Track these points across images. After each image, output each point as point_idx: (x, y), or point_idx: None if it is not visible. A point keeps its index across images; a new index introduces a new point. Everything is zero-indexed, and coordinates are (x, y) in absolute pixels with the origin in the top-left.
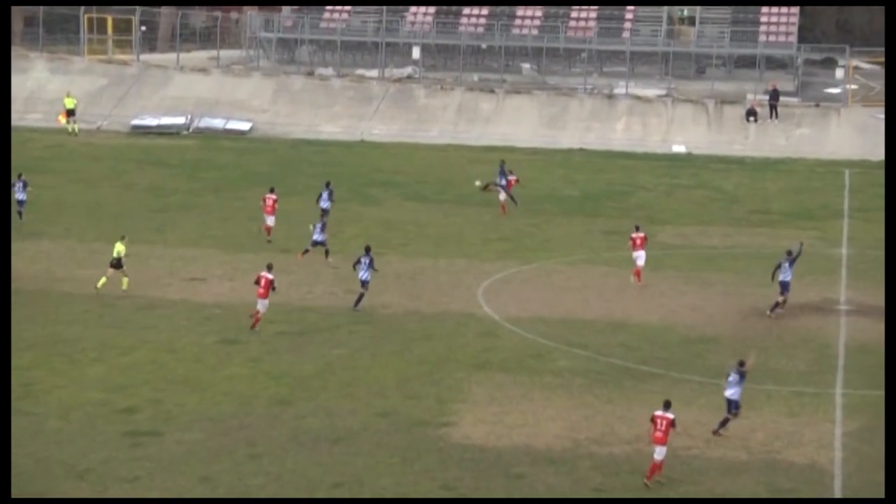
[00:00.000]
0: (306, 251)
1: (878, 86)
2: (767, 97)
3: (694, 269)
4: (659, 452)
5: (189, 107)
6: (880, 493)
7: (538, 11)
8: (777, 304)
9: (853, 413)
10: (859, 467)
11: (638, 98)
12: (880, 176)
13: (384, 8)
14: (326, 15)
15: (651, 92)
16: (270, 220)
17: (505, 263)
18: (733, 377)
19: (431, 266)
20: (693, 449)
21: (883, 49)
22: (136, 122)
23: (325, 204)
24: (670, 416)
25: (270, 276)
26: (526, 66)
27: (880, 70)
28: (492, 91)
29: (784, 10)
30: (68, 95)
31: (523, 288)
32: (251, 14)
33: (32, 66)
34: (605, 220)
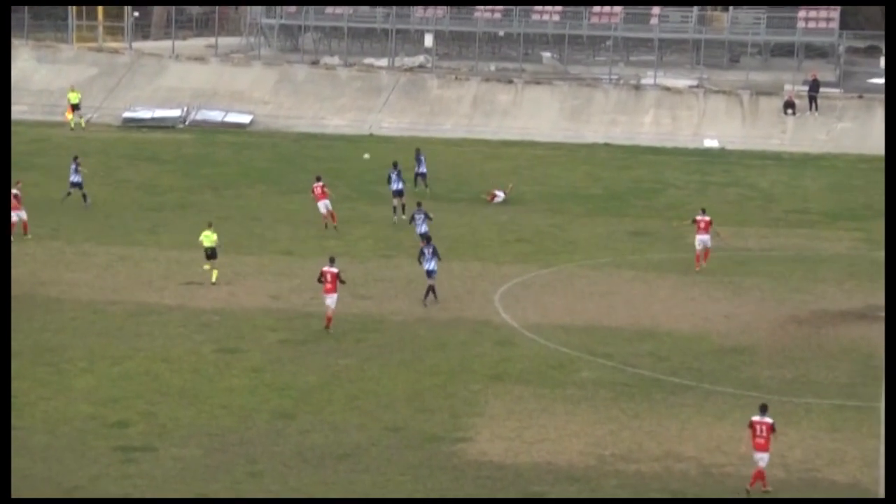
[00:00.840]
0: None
1: None
2: (807, 88)
3: (727, 273)
4: (762, 459)
5: (185, 98)
6: None
7: None
8: None
9: None
10: None
11: (667, 89)
12: None
13: None
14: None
15: (681, 82)
16: (322, 206)
17: (524, 267)
18: None
19: (444, 270)
20: (727, 466)
21: None
22: (128, 114)
23: (396, 185)
24: (769, 420)
25: (335, 270)
26: (546, 54)
27: None
28: (510, 81)
29: None
30: (72, 90)
31: (544, 293)
32: None
33: (17, 54)
34: (632, 221)
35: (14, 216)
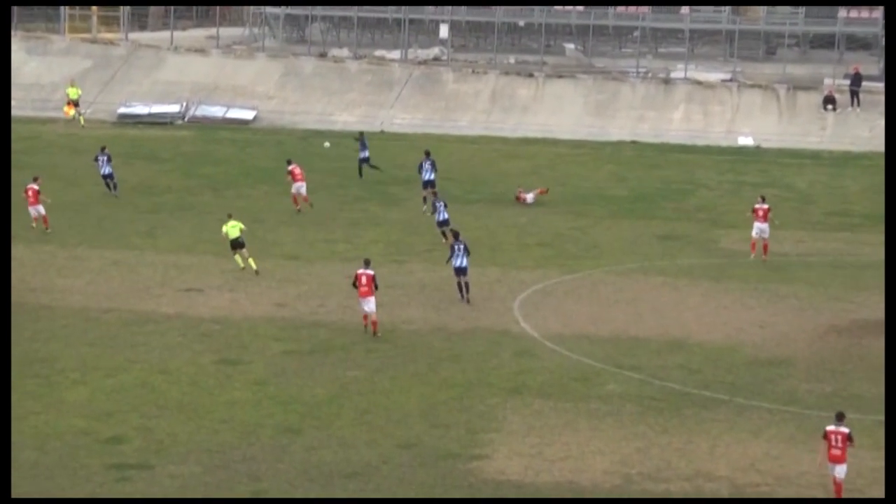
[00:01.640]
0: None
1: None
2: (848, 82)
3: (762, 279)
4: (839, 471)
5: (184, 93)
6: None
7: None
8: None
9: None
10: None
11: (698, 83)
12: None
13: None
14: None
15: (713, 76)
16: (295, 188)
17: (545, 272)
18: None
19: None
20: (762, 486)
21: None
22: (123, 109)
23: (428, 176)
24: (845, 430)
25: (371, 272)
26: (570, 46)
27: None
28: (530, 75)
29: None
30: (72, 84)
31: (566, 301)
32: None
33: None
34: (661, 224)
35: (33, 211)
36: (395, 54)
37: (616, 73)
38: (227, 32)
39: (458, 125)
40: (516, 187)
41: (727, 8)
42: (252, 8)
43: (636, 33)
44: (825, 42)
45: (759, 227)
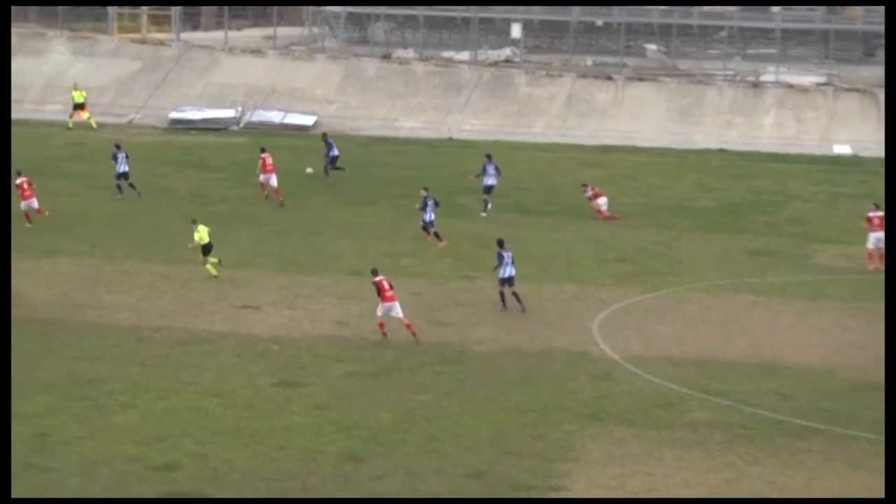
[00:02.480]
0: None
1: None
2: None
3: (861, 298)
4: None
5: (239, 97)
6: None
7: None
8: None
9: None
10: None
11: (790, 87)
12: None
13: None
14: None
15: (807, 79)
16: (264, 178)
17: (626, 290)
18: None
19: (534, 293)
20: None
21: None
22: (174, 114)
23: (491, 180)
24: None
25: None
26: (651, 47)
27: None
28: (609, 78)
29: None
30: (75, 88)
31: (648, 321)
32: None
33: (51, 46)
34: (751, 238)
35: (25, 205)
36: (464, 55)
37: (701, 76)
38: (285, 32)
39: (531, 131)
40: (581, 185)
41: (822, 6)
42: (311, 7)
43: (723, 33)
44: None
45: (875, 237)
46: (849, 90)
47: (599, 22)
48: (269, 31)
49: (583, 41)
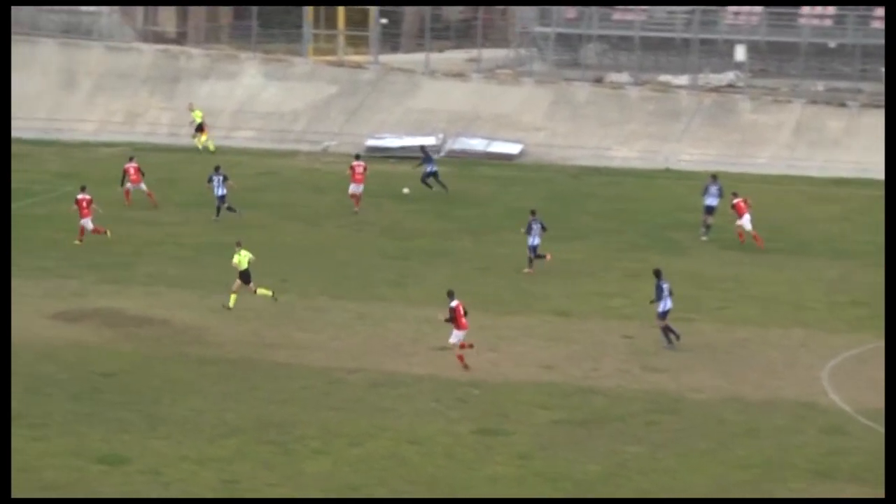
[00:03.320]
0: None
1: None
2: None
3: None
4: None
5: (441, 123)
6: None
7: None
8: None
9: None
10: None
11: None
12: None
13: None
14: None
15: None
16: (354, 189)
17: (859, 336)
18: None
19: (758, 338)
20: None
21: None
22: (372, 142)
23: (712, 200)
24: None
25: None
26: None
27: None
28: (842, 104)
29: None
30: (192, 108)
31: (885, 370)
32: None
33: (244, 69)
34: None
35: (87, 223)
36: (683, 80)
37: None
38: (490, 54)
39: (755, 162)
40: (733, 195)
41: None
42: (518, 27)
43: None
44: None
45: None
46: None
47: (832, 44)
48: (473, 52)
49: (813, 64)
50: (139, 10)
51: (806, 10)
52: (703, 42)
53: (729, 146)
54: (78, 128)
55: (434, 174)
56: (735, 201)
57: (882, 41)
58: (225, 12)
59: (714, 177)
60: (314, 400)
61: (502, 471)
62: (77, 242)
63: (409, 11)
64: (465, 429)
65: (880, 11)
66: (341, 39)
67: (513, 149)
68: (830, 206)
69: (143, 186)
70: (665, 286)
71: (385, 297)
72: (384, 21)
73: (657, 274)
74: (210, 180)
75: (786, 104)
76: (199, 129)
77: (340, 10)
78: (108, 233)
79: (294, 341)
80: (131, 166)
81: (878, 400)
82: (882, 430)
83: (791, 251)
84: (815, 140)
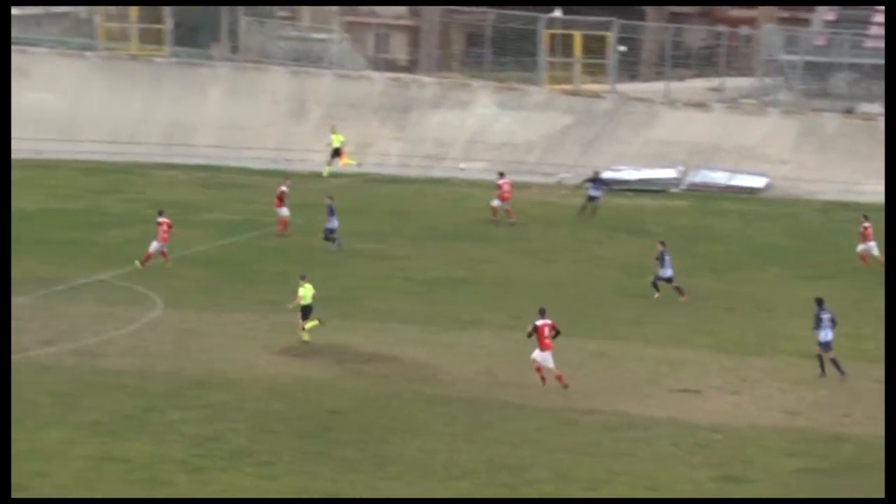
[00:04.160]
0: None
1: None
2: None
3: None
4: None
5: (681, 155)
6: None
7: None
8: None
9: None
10: None
11: None
12: None
13: None
14: (874, 30)
15: None
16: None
17: None
18: None
19: None
20: None
21: None
22: (609, 174)
23: None
24: None
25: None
26: None
27: None
28: None
29: None
30: (334, 131)
31: None
32: (768, 29)
33: (476, 97)
34: None
35: (157, 246)
36: None
37: None
38: (734, 83)
39: None
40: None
41: None
42: (764, 54)
43: None
44: None
45: None
46: None
47: None
48: (715, 81)
49: None
50: (370, 38)
51: None
52: None
53: None
54: (307, 157)
55: (594, 199)
56: None
57: None
58: (457, 39)
59: None
60: (547, 442)
61: None
62: (138, 264)
63: (648, 38)
64: (705, 475)
65: None
66: (577, 67)
67: (757, 182)
68: None
69: (286, 212)
70: (825, 316)
71: (623, 335)
72: (622, 48)
73: (819, 303)
74: (332, 212)
75: None
76: (336, 153)
77: (577, 36)
78: (170, 262)
79: (527, 381)
80: (282, 188)
81: None
82: None
83: None
84: None
